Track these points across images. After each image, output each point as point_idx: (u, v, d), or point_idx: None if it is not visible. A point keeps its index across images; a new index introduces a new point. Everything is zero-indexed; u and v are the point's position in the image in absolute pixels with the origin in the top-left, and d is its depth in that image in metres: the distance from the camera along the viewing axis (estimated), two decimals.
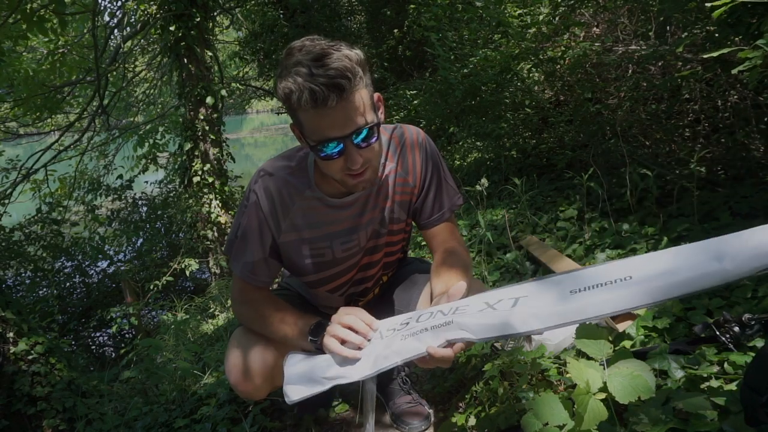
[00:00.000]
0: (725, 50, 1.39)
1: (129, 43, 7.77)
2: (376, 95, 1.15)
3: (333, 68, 1.00)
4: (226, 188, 6.48)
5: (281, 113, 12.69)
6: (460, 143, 5.15)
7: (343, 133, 1.06)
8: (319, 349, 1.13)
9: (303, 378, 1.09)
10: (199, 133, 6.15)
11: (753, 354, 1.16)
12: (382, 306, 1.58)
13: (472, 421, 1.45)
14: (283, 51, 1.08)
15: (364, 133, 1.08)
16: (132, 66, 9.04)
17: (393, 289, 1.56)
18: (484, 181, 2.53)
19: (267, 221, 1.26)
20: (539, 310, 0.90)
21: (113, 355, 5.88)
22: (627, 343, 1.48)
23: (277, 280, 1.54)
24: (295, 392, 1.07)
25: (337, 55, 1.02)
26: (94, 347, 6.37)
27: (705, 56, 1.54)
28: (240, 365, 1.31)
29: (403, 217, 1.39)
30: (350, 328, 1.07)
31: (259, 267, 1.31)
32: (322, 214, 1.29)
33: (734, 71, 1.33)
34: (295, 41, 1.08)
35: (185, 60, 5.96)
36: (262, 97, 14.54)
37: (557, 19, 2.92)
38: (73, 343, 6.03)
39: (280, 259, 1.35)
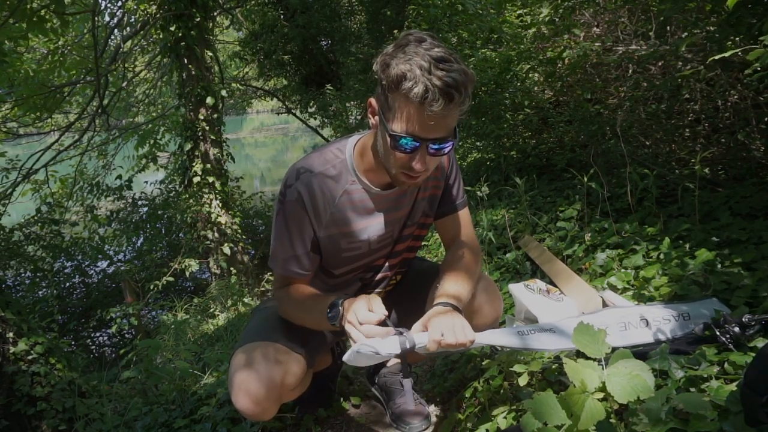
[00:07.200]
0: (730, 52, 1.39)
1: (129, 43, 7.75)
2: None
3: (452, 76, 1.01)
4: (226, 188, 6.48)
5: (281, 113, 12.69)
6: (460, 143, 5.14)
7: (426, 136, 1.08)
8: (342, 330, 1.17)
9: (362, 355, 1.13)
10: (199, 134, 6.14)
11: (753, 354, 1.16)
12: (397, 298, 1.59)
13: (472, 420, 1.45)
14: (401, 34, 1.08)
15: (443, 144, 1.10)
16: (132, 66, 9.02)
17: (407, 285, 1.58)
18: (485, 189, 2.63)
19: (309, 217, 1.28)
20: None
21: (113, 355, 5.88)
22: None
23: None
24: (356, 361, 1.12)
25: (457, 66, 1.03)
26: (93, 347, 6.37)
27: (710, 59, 1.54)
28: (246, 389, 1.28)
29: (431, 211, 1.43)
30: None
31: (301, 260, 1.33)
32: (364, 207, 1.31)
33: (747, 71, 1.33)
34: (411, 31, 1.08)
35: (185, 60, 5.95)
36: (263, 98, 14.53)
37: (558, 20, 2.92)
38: (73, 343, 6.03)
39: (319, 252, 1.37)
